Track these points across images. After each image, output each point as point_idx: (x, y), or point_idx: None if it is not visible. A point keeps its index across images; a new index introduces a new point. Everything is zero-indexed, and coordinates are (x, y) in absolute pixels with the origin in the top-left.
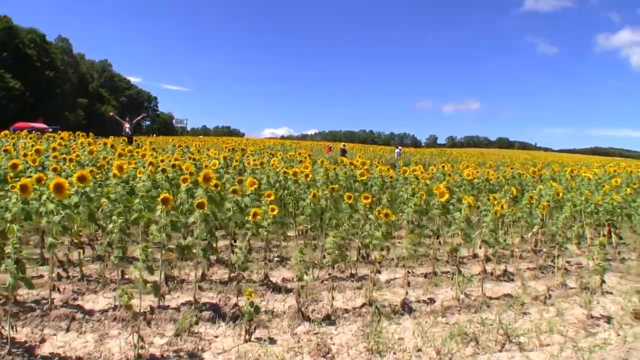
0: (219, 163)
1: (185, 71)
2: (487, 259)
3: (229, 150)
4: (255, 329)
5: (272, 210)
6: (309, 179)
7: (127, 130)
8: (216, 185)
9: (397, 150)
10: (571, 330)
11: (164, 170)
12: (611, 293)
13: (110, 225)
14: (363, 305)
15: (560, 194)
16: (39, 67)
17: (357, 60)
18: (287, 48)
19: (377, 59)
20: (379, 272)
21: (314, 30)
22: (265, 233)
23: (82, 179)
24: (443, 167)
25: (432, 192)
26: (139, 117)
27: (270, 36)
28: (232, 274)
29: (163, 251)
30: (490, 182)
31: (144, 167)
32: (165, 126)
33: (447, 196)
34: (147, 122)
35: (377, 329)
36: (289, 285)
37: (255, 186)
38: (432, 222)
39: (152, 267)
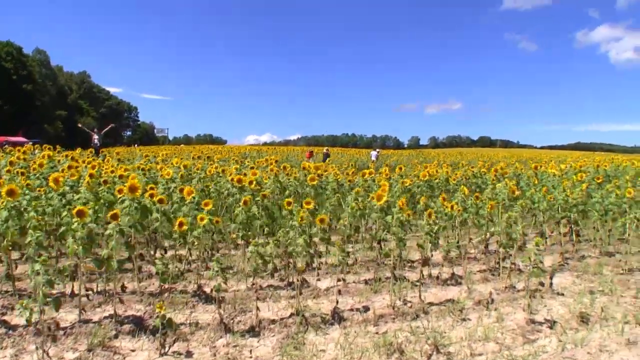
0: (173, 172)
1: (166, 80)
2: (425, 263)
3: (193, 158)
4: (175, 341)
5: (201, 219)
6: (252, 185)
7: (96, 141)
8: (151, 196)
9: (373, 153)
10: (509, 337)
11: (105, 182)
12: (562, 294)
13: (28, 239)
14: (291, 315)
15: (516, 192)
16: (16, 80)
17: (340, 64)
18: (269, 55)
19: (359, 62)
20: (318, 279)
21: (295, 36)
22: (196, 243)
23: (10, 193)
24: (400, 169)
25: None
26: (107, 128)
27: (251, 43)
28: (166, 286)
29: (81, 264)
30: (450, 182)
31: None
32: (147, 136)
33: (384, 199)
34: (128, 133)
35: (298, 340)
36: (221, 296)
37: (193, 195)
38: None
39: (51, 281)
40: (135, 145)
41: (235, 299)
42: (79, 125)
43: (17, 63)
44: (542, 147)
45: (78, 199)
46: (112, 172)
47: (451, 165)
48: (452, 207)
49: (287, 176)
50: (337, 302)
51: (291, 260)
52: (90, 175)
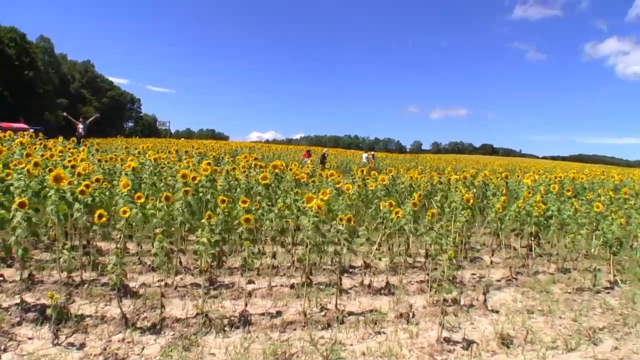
0: (135, 165)
1: (173, 74)
2: (343, 271)
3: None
4: (74, 333)
5: (124, 212)
6: (195, 181)
7: (80, 131)
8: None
9: (364, 155)
10: (415, 355)
11: (50, 171)
12: (497, 312)
13: None
14: (196, 315)
15: (471, 201)
16: (18, 66)
17: (347, 65)
18: (276, 52)
19: (366, 64)
20: (252, 282)
21: (303, 34)
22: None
23: None
24: (362, 171)
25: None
26: (92, 118)
27: (258, 40)
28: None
29: None
30: (414, 187)
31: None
32: (149, 128)
33: (313, 202)
34: (131, 124)
35: (192, 341)
36: (141, 291)
37: (129, 188)
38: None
39: None
40: (137, 137)
41: (154, 295)
42: (64, 114)
43: (20, 49)
44: (543, 157)
45: (17, 187)
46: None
47: (436, 172)
48: (397, 214)
49: (242, 174)
50: (246, 304)
51: (224, 259)
52: (35, 164)
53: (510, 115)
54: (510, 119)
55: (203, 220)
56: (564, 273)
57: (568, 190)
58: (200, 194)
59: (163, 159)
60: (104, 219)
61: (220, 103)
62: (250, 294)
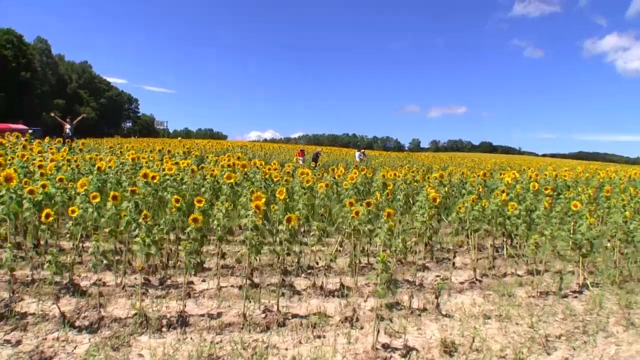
0: (105, 164)
1: (171, 74)
2: (297, 272)
3: (151, 151)
4: (13, 330)
5: (72, 212)
6: (155, 180)
7: (68, 131)
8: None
9: (357, 154)
10: None
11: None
12: (451, 317)
13: None
14: (135, 315)
15: (437, 200)
16: (15, 68)
17: (346, 64)
18: (275, 51)
19: (364, 63)
20: (203, 280)
21: (301, 33)
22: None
23: None
24: (333, 170)
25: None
26: (79, 119)
27: (256, 39)
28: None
29: None
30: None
31: None
32: (147, 128)
33: (262, 201)
34: (129, 124)
35: (124, 341)
36: (91, 290)
37: (86, 187)
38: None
39: None
40: (136, 137)
41: (106, 294)
42: (51, 114)
43: (17, 51)
44: (543, 155)
45: None
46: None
47: (424, 170)
48: (356, 214)
49: (210, 175)
50: (185, 305)
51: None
52: None
53: (510, 113)
54: (510, 117)
55: (140, 220)
56: (534, 275)
57: (546, 189)
58: (160, 194)
59: (143, 158)
60: (51, 218)
61: (220, 103)
62: (198, 294)
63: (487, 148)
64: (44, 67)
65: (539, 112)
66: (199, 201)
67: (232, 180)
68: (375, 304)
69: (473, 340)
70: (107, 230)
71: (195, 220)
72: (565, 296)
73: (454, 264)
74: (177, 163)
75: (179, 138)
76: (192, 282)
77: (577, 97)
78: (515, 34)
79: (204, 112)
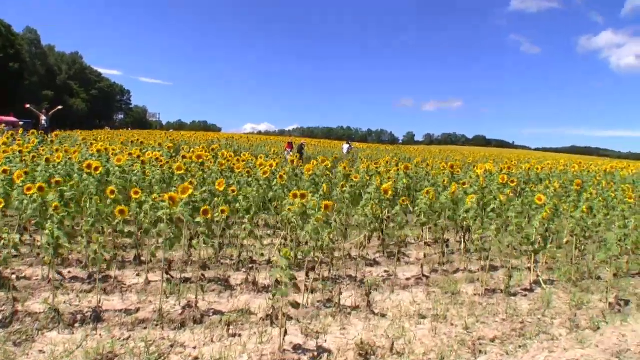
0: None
1: (167, 65)
2: (237, 267)
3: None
4: None
5: None
6: (97, 172)
7: (43, 122)
8: None
9: (345, 146)
10: None
11: None
12: (384, 316)
13: None
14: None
15: (389, 192)
16: (3, 58)
17: (341, 58)
18: (271, 44)
19: (360, 56)
20: (137, 274)
21: (296, 26)
22: None
23: None
24: (292, 162)
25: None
26: (54, 110)
27: (253, 32)
28: None
29: None
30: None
31: None
32: (140, 120)
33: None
34: (121, 116)
35: (29, 336)
36: (18, 284)
37: (22, 179)
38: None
39: None
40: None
41: (27, 288)
42: (27, 106)
43: (5, 41)
44: (536, 149)
45: None
46: None
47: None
48: (326, 207)
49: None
50: (100, 300)
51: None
52: None
53: (506, 107)
54: (506, 111)
55: (51, 212)
56: (487, 272)
57: (512, 182)
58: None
59: (110, 150)
60: None
61: (215, 95)
62: (127, 288)
63: (481, 142)
64: (33, 58)
65: (534, 107)
66: (136, 192)
67: (182, 172)
68: (308, 300)
69: (393, 343)
70: (32, 222)
71: (121, 212)
72: (514, 294)
73: (398, 259)
74: (130, 154)
75: (171, 130)
76: (125, 277)
77: (571, 92)
78: (512, 29)
79: (200, 104)
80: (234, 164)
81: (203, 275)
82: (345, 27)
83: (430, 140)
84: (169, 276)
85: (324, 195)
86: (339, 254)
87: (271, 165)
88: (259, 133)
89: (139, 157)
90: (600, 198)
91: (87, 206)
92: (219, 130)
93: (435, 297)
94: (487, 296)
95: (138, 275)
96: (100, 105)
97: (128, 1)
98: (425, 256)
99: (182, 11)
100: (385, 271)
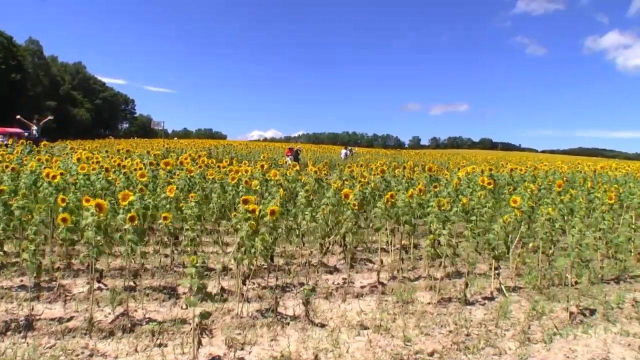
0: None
1: (171, 74)
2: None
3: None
4: None
5: None
6: (55, 180)
7: (35, 132)
8: None
9: (343, 152)
10: None
11: None
12: (323, 326)
13: None
14: None
15: (350, 197)
16: (5, 70)
17: (347, 63)
18: (277, 51)
19: (366, 61)
20: (88, 282)
21: (303, 32)
22: None
23: None
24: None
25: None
26: (45, 121)
27: (259, 39)
28: None
29: None
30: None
31: None
32: (144, 129)
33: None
34: (125, 125)
35: None
36: None
37: None
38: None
39: None
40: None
41: None
42: (17, 117)
43: (7, 53)
44: (543, 151)
45: None
46: None
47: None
48: (254, 212)
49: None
50: (32, 308)
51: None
52: None
53: (513, 109)
54: (512, 114)
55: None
56: (455, 278)
57: (490, 183)
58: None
59: (90, 159)
60: None
61: (222, 102)
62: (71, 297)
63: (487, 145)
64: (35, 69)
65: (541, 109)
66: (87, 200)
67: (145, 179)
68: (243, 310)
69: (316, 357)
70: None
71: (64, 220)
72: (472, 303)
73: (352, 265)
74: (98, 162)
75: (175, 138)
76: (74, 285)
77: (578, 94)
78: (518, 31)
79: (206, 112)
80: (204, 171)
81: (135, 282)
82: (352, 33)
83: (436, 144)
84: (101, 284)
85: (282, 201)
86: (298, 260)
87: (246, 171)
88: (265, 140)
89: (119, 165)
90: (581, 199)
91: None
92: (224, 137)
93: (386, 306)
94: (442, 305)
95: (88, 283)
96: (105, 114)
97: (131, 10)
98: (382, 262)
99: (186, 19)
100: (344, 278)
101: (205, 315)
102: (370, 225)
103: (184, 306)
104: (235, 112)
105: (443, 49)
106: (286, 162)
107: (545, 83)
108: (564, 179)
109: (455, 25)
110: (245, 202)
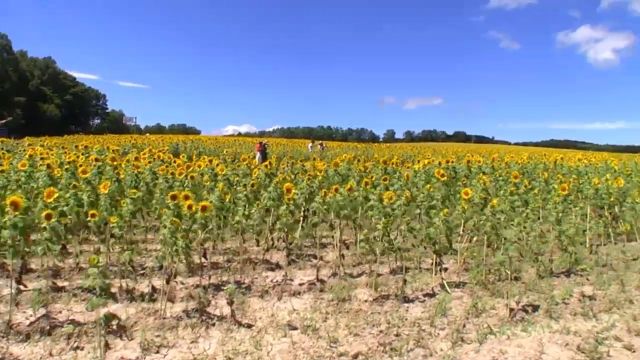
0: None
1: (146, 69)
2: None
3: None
4: None
5: None
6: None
7: None
8: None
9: (310, 145)
10: None
11: None
12: (250, 326)
13: None
14: None
15: (292, 192)
16: None
17: (322, 57)
18: (251, 45)
19: (341, 55)
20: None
21: (275, 26)
22: None
23: None
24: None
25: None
26: (3, 122)
27: (232, 33)
28: None
29: None
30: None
31: None
32: (116, 124)
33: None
34: (97, 121)
35: None
36: None
37: None
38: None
39: None
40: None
41: None
42: None
43: None
44: (516, 144)
45: None
46: None
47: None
48: (203, 209)
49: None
50: None
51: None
52: None
53: (487, 103)
54: (487, 107)
55: None
56: (398, 274)
57: (443, 175)
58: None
59: (42, 155)
60: None
61: (196, 97)
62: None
63: (461, 138)
64: (4, 64)
65: (515, 103)
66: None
67: (87, 176)
68: (166, 310)
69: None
70: None
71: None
72: (411, 300)
73: (295, 261)
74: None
75: (147, 134)
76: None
77: (551, 87)
78: (492, 26)
79: (181, 107)
80: (152, 167)
81: (54, 283)
82: (325, 26)
83: (410, 138)
84: (21, 285)
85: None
86: (240, 257)
87: (199, 166)
88: (239, 135)
89: (73, 161)
90: (536, 191)
91: None
92: (198, 132)
93: (320, 305)
94: (378, 303)
95: (25, 286)
96: (76, 110)
97: (103, 5)
98: (320, 258)
99: (159, 12)
100: (284, 275)
101: (109, 318)
102: (309, 220)
103: (111, 306)
104: (210, 108)
105: (418, 42)
106: (255, 157)
107: (519, 77)
108: (524, 170)
109: (430, 18)
110: (174, 197)
